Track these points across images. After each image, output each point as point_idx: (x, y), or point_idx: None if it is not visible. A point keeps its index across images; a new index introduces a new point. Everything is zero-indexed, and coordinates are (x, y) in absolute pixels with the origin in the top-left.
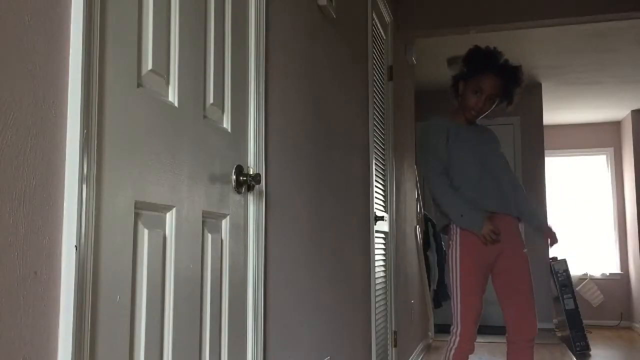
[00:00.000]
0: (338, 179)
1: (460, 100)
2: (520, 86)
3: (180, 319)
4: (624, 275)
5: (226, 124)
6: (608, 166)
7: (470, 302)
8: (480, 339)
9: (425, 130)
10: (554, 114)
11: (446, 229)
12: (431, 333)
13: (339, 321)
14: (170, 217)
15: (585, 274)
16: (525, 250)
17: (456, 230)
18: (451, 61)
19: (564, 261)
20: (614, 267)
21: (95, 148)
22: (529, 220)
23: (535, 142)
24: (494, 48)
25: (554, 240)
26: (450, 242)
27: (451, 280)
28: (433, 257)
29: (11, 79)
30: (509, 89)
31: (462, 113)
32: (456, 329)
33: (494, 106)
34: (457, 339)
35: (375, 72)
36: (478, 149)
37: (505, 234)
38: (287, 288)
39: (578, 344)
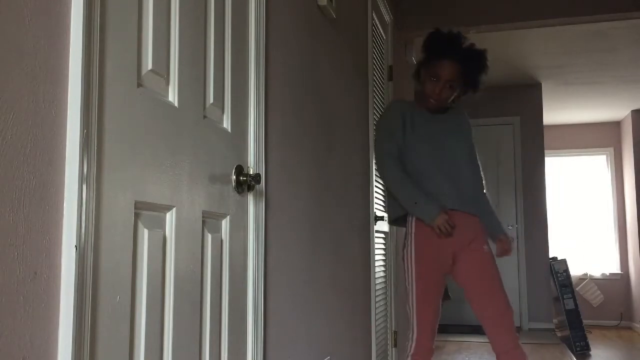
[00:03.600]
0: (338, 179)
1: (422, 87)
2: (485, 72)
3: (180, 319)
4: (624, 275)
5: (226, 124)
6: (608, 166)
7: (425, 305)
8: (479, 339)
9: (384, 111)
10: (554, 114)
11: (399, 222)
12: None
13: (339, 321)
14: (170, 217)
15: (585, 274)
16: (485, 246)
17: (412, 225)
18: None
19: (564, 261)
20: (614, 267)
21: (95, 148)
22: (486, 223)
23: (535, 142)
24: (457, 32)
25: (504, 251)
26: (405, 240)
27: (406, 281)
28: None
29: (11, 79)
30: (471, 76)
31: (424, 101)
32: (412, 334)
33: (455, 94)
34: (413, 344)
35: (375, 72)
36: (435, 140)
37: (462, 232)
38: (287, 288)
39: (578, 344)
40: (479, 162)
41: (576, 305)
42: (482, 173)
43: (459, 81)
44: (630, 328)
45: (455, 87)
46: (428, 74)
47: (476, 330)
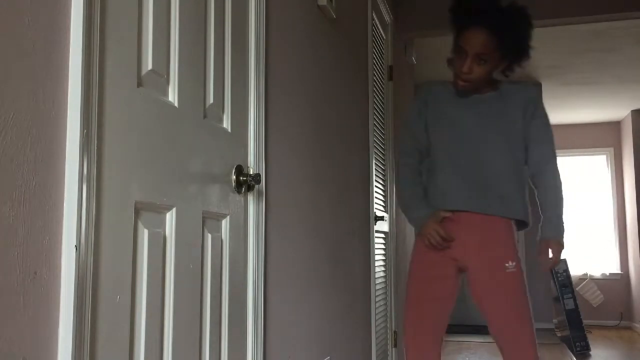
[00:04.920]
0: (338, 179)
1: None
2: (530, 33)
3: (180, 319)
4: (624, 275)
5: (226, 124)
6: (608, 166)
7: (412, 313)
8: (479, 339)
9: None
10: (554, 114)
11: None
12: None
13: (339, 321)
14: (170, 217)
15: (585, 274)
16: (509, 264)
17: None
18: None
19: (564, 261)
20: (614, 267)
21: (95, 148)
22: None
23: None
24: None
25: (552, 259)
26: None
27: None
28: None
29: (11, 79)
30: (511, 42)
31: (455, 83)
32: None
33: (490, 68)
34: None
35: (375, 72)
36: (458, 128)
37: (467, 237)
38: (287, 288)
39: (578, 344)
40: (539, 153)
41: (576, 305)
42: (544, 166)
43: (493, 52)
44: (630, 328)
45: (490, 60)
46: (455, 50)
47: (476, 330)
